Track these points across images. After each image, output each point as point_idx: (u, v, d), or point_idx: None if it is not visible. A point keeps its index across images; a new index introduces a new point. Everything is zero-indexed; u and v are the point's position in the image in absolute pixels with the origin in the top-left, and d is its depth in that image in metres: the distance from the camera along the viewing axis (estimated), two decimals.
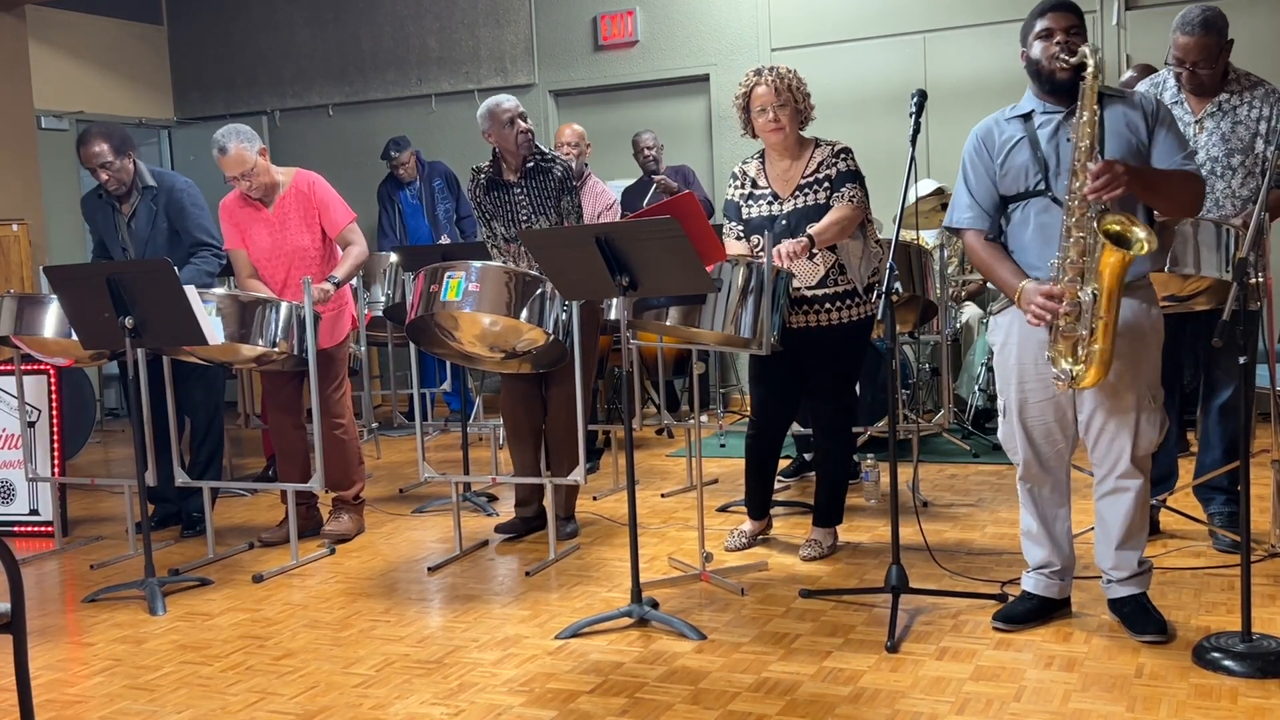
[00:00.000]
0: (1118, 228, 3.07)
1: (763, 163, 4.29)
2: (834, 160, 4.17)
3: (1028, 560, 3.51)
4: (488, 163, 4.73)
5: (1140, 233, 3.06)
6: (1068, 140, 3.20)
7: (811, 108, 4.23)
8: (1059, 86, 3.21)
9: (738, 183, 4.32)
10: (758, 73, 4.17)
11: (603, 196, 5.59)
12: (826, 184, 4.14)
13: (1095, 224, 3.08)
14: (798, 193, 4.16)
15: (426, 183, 8.02)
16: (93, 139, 4.89)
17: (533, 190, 4.65)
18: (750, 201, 4.25)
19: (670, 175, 7.33)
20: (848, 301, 4.17)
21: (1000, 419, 3.46)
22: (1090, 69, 3.11)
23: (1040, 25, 3.25)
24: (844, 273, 4.16)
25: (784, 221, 4.15)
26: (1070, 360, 3.13)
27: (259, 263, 4.87)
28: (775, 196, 4.20)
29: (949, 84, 7.26)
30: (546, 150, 4.72)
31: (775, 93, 4.11)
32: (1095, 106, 3.12)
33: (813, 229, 4.02)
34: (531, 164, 4.64)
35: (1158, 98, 3.28)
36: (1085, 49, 3.13)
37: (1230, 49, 4.05)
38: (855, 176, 4.17)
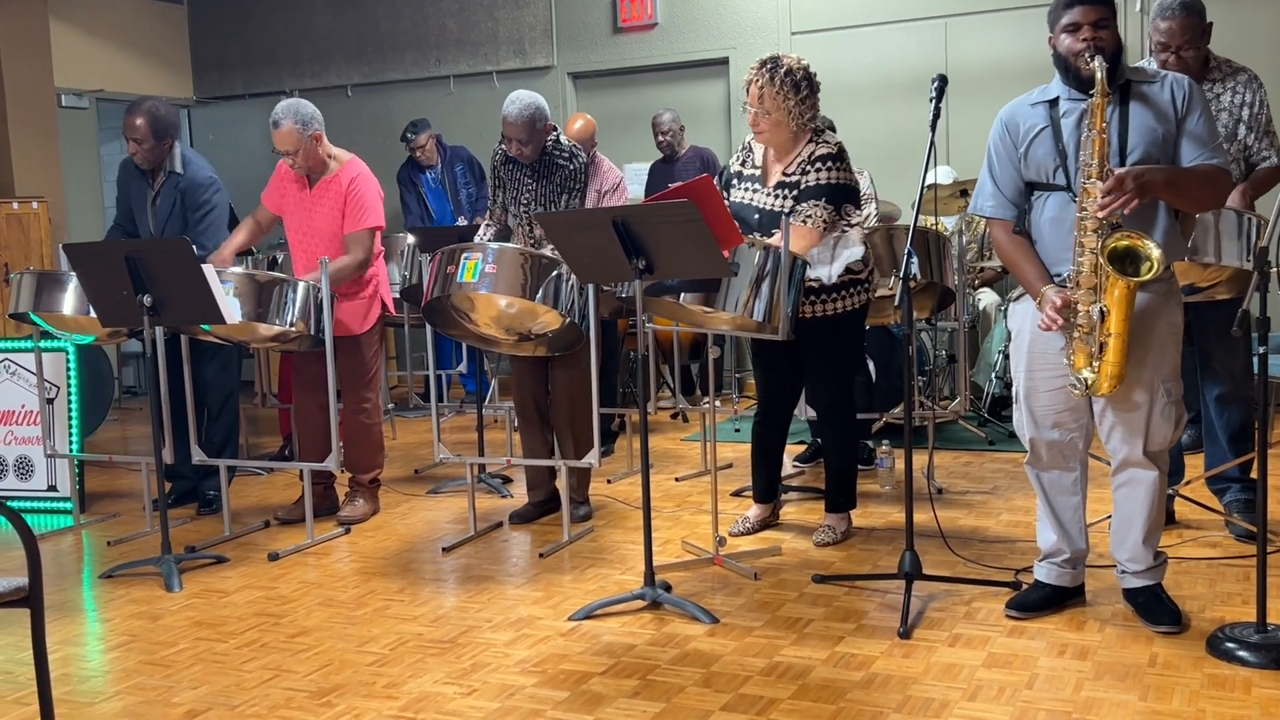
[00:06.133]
0: (1125, 244, 3.01)
1: None
2: (810, 166, 4.03)
3: (1039, 546, 3.51)
4: None
5: (1153, 251, 2.99)
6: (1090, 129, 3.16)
7: (809, 110, 4.06)
8: (1085, 83, 3.13)
9: (742, 153, 4.30)
10: (761, 65, 4.06)
11: (609, 175, 5.59)
12: (794, 192, 4.05)
13: (1101, 246, 3.01)
14: (777, 189, 4.11)
15: (448, 167, 7.98)
16: (138, 113, 4.99)
17: (541, 179, 4.66)
18: (741, 180, 4.23)
19: (692, 158, 7.30)
20: (841, 293, 4.14)
21: (1015, 405, 3.45)
22: (1100, 81, 3.03)
23: (1067, 18, 3.16)
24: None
25: (756, 216, 4.14)
26: (1088, 370, 3.11)
27: (290, 233, 4.94)
28: (761, 181, 4.17)
29: (970, 69, 7.21)
30: (567, 145, 4.71)
31: (759, 99, 4.02)
32: (1104, 124, 3.04)
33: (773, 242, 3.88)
34: (548, 157, 4.65)
35: (1190, 80, 3.20)
36: (1096, 64, 3.03)
37: (1210, 32, 4.01)
38: (825, 191, 4.00)
